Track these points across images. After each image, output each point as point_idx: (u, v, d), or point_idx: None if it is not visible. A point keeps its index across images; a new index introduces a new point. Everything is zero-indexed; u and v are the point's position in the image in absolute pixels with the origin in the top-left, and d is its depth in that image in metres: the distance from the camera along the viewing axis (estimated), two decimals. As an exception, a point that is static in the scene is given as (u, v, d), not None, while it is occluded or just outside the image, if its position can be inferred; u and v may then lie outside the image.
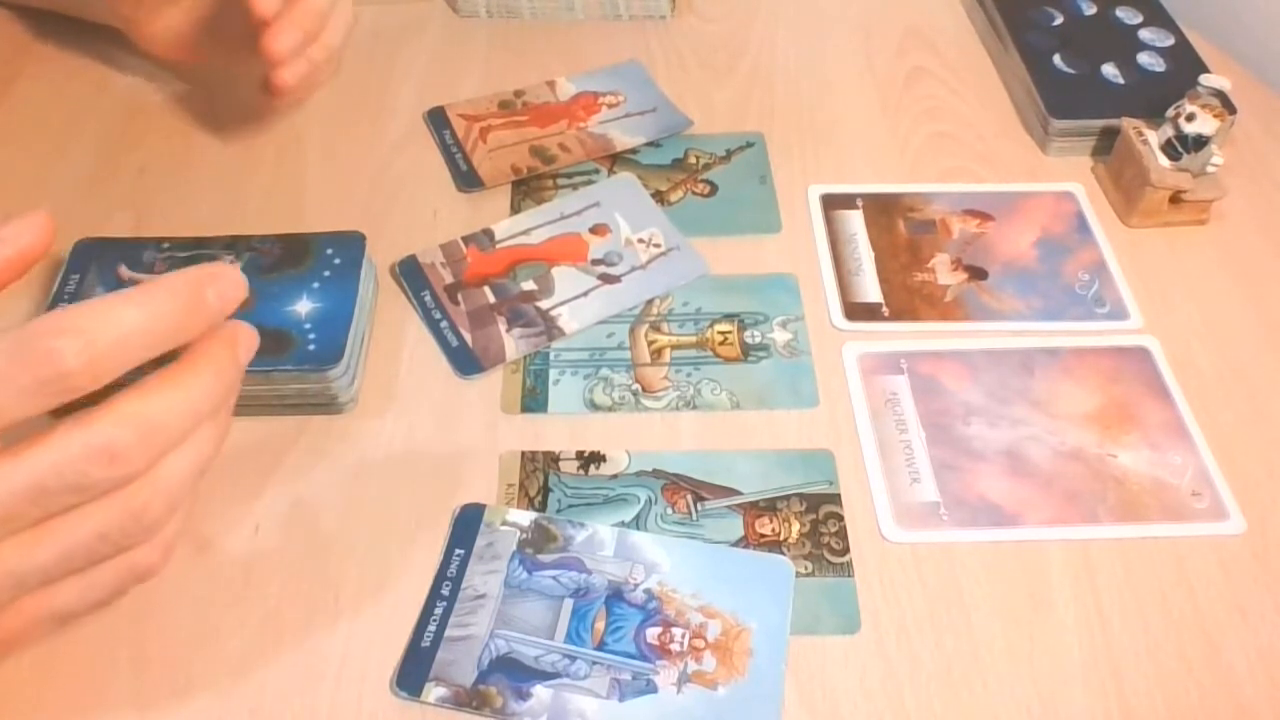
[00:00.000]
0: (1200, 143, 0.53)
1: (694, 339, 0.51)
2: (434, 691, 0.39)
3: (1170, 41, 0.63)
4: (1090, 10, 0.66)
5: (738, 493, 0.45)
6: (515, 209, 0.57)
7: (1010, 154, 0.60)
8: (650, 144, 0.60)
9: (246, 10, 0.49)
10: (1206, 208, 0.56)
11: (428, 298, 0.52)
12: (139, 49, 0.59)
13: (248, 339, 0.33)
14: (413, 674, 0.39)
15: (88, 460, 0.28)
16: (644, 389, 0.49)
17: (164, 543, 0.32)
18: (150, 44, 0.58)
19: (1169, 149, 0.54)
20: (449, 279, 0.52)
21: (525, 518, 0.44)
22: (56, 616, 0.32)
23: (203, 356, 0.31)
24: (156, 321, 0.30)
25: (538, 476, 0.45)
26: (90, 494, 0.29)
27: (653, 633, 0.40)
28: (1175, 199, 0.55)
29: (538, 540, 0.43)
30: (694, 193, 0.58)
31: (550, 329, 0.50)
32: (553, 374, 0.49)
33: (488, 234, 0.55)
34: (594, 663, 0.39)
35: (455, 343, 0.50)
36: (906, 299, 0.52)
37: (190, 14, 0.56)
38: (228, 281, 0.31)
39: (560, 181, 0.58)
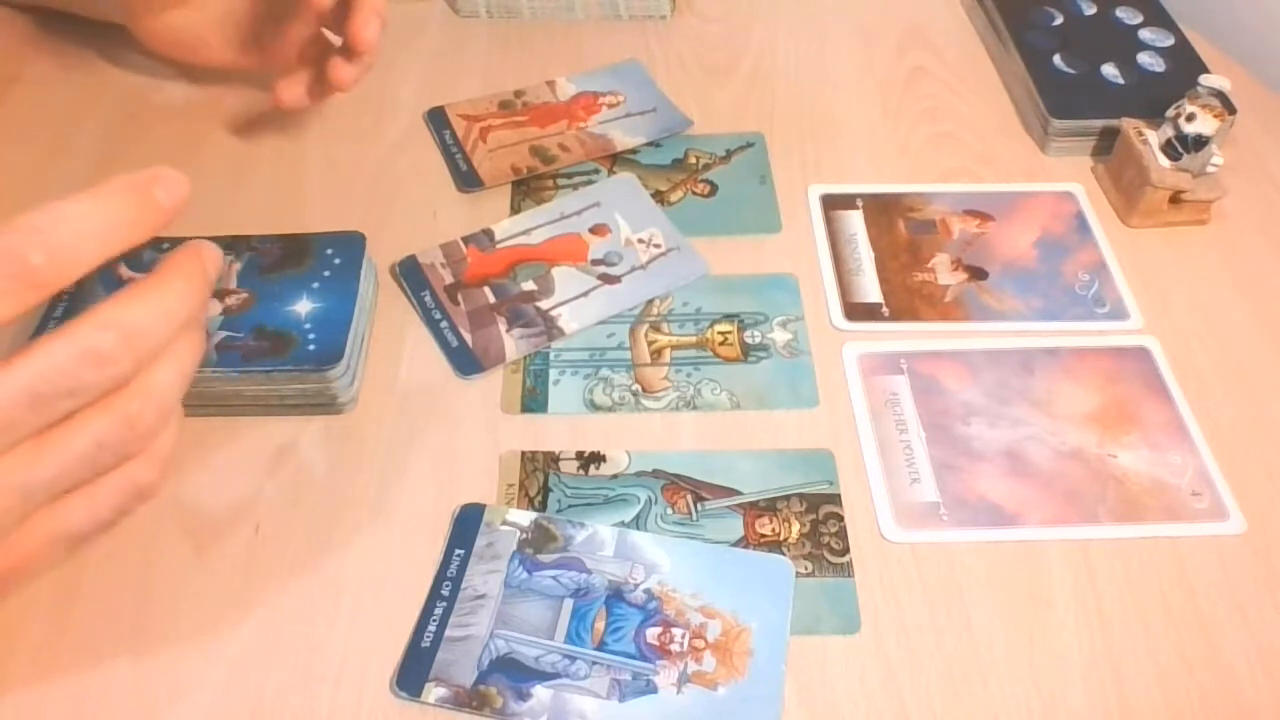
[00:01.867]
0: (1200, 143, 0.53)
1: (694, 339, 0.51)
2: (434, 692, 0.39)
3: (1170, 41, 0.63)
4: (1090, 10, 0.66)
5: (738, 493, 0.45)
6: (515, 209, 0.57)
7: (1010, 154, 0.60)
8: (650, 144, 0.60)
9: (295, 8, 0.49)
10: (1206, 208, 0.55)
11: (428, 298, 0.52)
12: (142, 46, 0.59)
13: (211, 253, 0.34)
14: (413, 674, 0.39)
15: (76, 362, 0.29)
16: (644, 389, 0.49)
17: (160, 457, 0.33)
18: (153, 41, 0.58)
19: (1169, 149, 0.54)
20: (449, 279, 0.52)
21: (525, 518, 0.44)
22: (66, 538, 0.32)
23: (171, 267, 0.32)
24: (109, 216, 0.30)
25: (538, 476, 0.45)
26: (83, 397, 0.30)
27: (653, 633, 0.40)
28: (1175, 199, 0.55)
29: (538, 540, 0.43)
30: (694, 193, 0.58)
31: (550, 329, 0.50)
32: (553, 374, 0.49)
33: (488, 234, 0.55)
34: (594, 663, 0.39)
35: (455, 343, 0.50)
36: (906, 299, 0.52)
37: (196, 13, 0.56)
38: (171, 180, 0.32)
39: (560, 181, 0.58)
